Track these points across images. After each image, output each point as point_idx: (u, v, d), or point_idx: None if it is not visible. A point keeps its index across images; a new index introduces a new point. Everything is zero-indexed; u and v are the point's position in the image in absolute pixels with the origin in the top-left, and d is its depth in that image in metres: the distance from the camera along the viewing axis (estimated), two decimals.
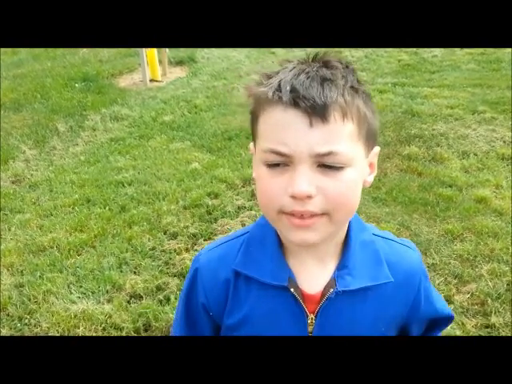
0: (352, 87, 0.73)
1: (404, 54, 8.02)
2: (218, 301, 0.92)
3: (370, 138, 0.78)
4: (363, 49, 8.20)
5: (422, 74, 6.99)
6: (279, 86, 0.72)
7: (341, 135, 0.72)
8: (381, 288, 0.87)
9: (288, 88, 0.71)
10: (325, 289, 0.85)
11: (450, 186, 3.93)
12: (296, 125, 0.71)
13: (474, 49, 7.91)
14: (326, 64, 0.74)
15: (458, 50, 8.01)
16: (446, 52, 7.97)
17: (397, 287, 0.88)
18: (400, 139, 4.80)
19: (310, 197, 0.72)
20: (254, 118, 0.78)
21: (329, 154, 0.71)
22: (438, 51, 7.99)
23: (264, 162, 0.76)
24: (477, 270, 2.95)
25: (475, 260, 3.04)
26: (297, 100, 0.70)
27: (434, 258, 3.05)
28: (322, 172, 0.73)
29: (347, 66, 0.76)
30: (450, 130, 4.93)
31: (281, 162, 0.74)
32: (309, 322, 0.86)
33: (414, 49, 8.17)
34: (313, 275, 0.87)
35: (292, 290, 0.85)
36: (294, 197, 0.73)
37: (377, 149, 0.83)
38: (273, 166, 0.75)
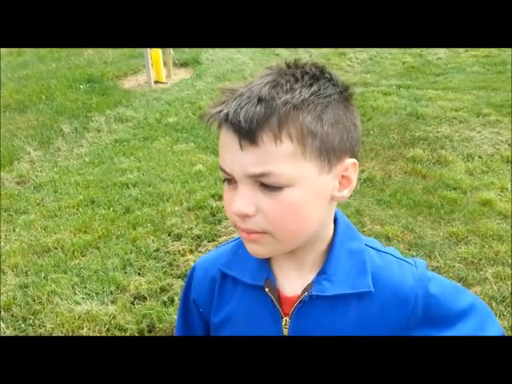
0: (295, 105, 0.70)
1: (408, 56, 8.02)
2: (205, 298, 0.96)
3: (328, 154, 0.74)
4: (368, 51, 8.21)
5: (426, 76, 6.99)
6: (222, 108, 0.73)
7: (274, 156, 0.71)
8: (364, 300, 0.84)
9: (225, 111, 0.72)
10: (302, 292, 0.85)
11: (455, 189, 3.92)
12: (230, 147, 0.73)
13: (479, 51, 7.92)
14: (276, 79, 0.73)
15: (462, 53, 8.01)
16: (450, 54, 7.97)
17: (384, 304, 0.83)
18: (404, 141, 4.79)
19: (247, 216, 0.74)
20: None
21: (262, 175, 0.71)
22: (442, 53, 8.00)
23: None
24: (481, 272, 2.95)
25: (480, 263, 3.03)
26: (226, 124, 0.72)
27: (438, 261, 3.04)
28: (262, 191, 0.73)
29: (303, 78, 0.74)
30: (454, 133, 4.92)
31: (230, 178, 0.76)
32: (283, 324, 0.86)
33: (419, 51, 8.18)
34: (293, 278, 0.87)
35: (267, 290, 0.86)
36: (235, 214, 0.75)
37: (350, 161, 0.77)
38: (228, 181, 0.78)
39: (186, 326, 1.03)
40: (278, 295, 0.86)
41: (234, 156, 0.73)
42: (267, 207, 0.73)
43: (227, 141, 0.73)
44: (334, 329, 0.84)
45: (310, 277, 0.85)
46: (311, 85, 0.73)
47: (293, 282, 0.86)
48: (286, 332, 0.86)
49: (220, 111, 0.73)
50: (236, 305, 0.91)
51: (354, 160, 0.78)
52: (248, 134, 0.70)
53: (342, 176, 0.78)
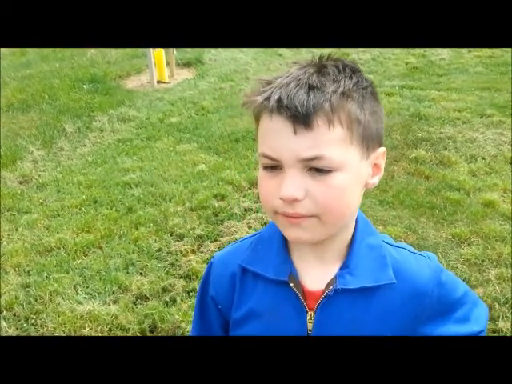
0: (343, 93, 0.75)
1: (411, 57, 8.01)
2: (225, 294, 0.96)
3: (368, 141, 0.79)
4: (371, 51, 8.20)
5: (429, 76, 6.98)
6: (270, 95, 0.76)
7: (326, 140, 0.74)
8: (385, 293, 0.87)
9: (276, 97, 0.74)
10: (326, 286, 0.87)
11: (458, 190, 3.91)
12: (282, 132, 0.75)
13: (482, 52, 7.90)
14: (321, 70, 0.77)
15: (465, 53, 7.99)
16: (453, 55, 7.95)
17: (404, 296, 0.87)
18: (407, 142, 4.78)
19: (296, 200, 0.75)
20: (256, 123, 0.82)
21: (314, 158, 0.74)
22: (445, 54, 7.98)
23: (261, 164, 0.80)
24: (484, 274, 2.94)
25: (483, 264, 3.02)
26: (281, 109, 0.74)
27: (441, 262, 3.01)
28: (311, 176, 0.76)
29: (344, 70, 0.78)
30: (457, 134, 4.91)
31: (274, 165, 0.78)
32: (308, 318, 0.87)
33: (422, 51, 8.16)
34: (315, 273, 0.88)
35: (292, 285, 0.87)
36: (283, 199, 0.76)
37: (381, 150, 0.83)
38: (269, 168, 0.79)
39: (204, 324, 1.03)
40: (301, 290, 0.88)
41: (286, 141, 0.75)
42: (317, 191, 0.76)
43: (277, 126, 0.75)
44: (357, 321, 0.86)
45: (332, 270, 0.88)
46: (351, 77, 0.78)
47: (315, 276, 0.88)
48: (310, 326, 0.87)
49: (268, 98, 0.76)
50: (258, 300, 0.92)
51: (384, 149, 0.84)
52: (304, 118, 0.73)
53: (374, 164, 0.83)
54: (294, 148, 0.74)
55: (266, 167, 0.80)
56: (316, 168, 0.75)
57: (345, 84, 0.76)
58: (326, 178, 0.75)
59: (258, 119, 0.80)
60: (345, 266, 0.87)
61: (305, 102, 0.72)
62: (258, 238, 0.96)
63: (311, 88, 0.74)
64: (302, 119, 0.73)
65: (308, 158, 0.74)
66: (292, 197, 0.75)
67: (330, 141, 0.74)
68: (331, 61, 0.80)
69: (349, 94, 0.76)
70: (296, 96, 0.73)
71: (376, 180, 0.84)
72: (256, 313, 0.92)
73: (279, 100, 0.74)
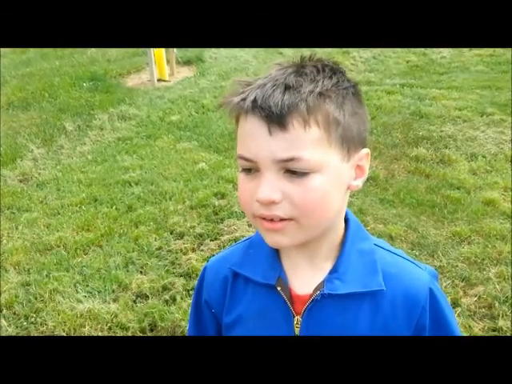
0: (320, 93, 0.74)
1: (412, 55, 7.99)
2: (217, 298, 0.96)
3: (348, 142, 0.77)
4: (371, 50, 8.18)
5: (430, 75, 6.97)
6: (246, 96, 0.75)
7: (302, 141, 0.73)
8: (375, 298, 0.85)
9: (251, 98, 0.74)
10: (313, 291, 0.85)
11: (458, 188, 3.91)
12: (257, 133, 0.74)
13: (483, 50, 7.89)
14: (299, 70, 0.76)
15: (466, 52, 7.98)
16: (454, 53, 7.94)
17: (395, 301, 0.85)
18: (408, 141, 4.78)
19: (273, 202, 0.74)
20: (236, 125, 0.81)
21: (290, 159, 0.73)
22: (446, 52, 7.97)
23: (240, 167, 0.79)
24: (484, 272, 2.94)
25: (483, 263, 3.02)
26: (255, 109, 0.73)
27: (441, 261, 3.03)
28: (288, 178, 0.74)
29: (324, 70, 0.77)
30: (458, 132, 4.91)
31: (251, 168, 0.77)
32: (295, 323, 0.86)
33: (423, 50, 8.15)
34: (304, 277, 0.87)
35: (279, 288, 0.86)
36: (259, 202, 0.75)
37: (364, 151, 0.81)
38: (247, 171, 0.78)
39: (199, 328, 1.03)
40: (289, 294, 0.87)
41: (261, 142, 0.74)
42: (294, 193, 0.74)
43: (253, 127, 0.74)
44: (345, 328, 0.85)
45: (322, 274, 0.86)
46: (331, 77, 0.77)
47: (304, 280, 0.87)
48: (297, 331, 0.86)
49: (244, 99, 0.75)
50: (248, 304, 0.91)
51: (367, 150, 0.82)
52: (278, 118, 0.72)
53: (357, 166, 0.81)
54: (269, 149, 0.73)
55: (244, 170, 0.78)
56: (292, 170, 0.74)
57: (323, 84, 0.75)
58: (303, 179, 0.74)
59: (237, 121, 0.80)
60: (334, 271, 0.85)
61: (279, 102, 0.71)
62: (249, 242, 0.96)
63: (287, 88, 0.73)
64: (276, 119, 0.72)
65: (284, 159, 0.73)
66: (268, 199, 0.74)
67: (307, 142, 0.73)
68: (311, 61, 0.79)
69: (327, 95, 0.74)
70: (271, 96, 0.72)
71: (359, 182, 0.83)
72: (244, 317, 0.91)
73: (254, 100, 0.73)
